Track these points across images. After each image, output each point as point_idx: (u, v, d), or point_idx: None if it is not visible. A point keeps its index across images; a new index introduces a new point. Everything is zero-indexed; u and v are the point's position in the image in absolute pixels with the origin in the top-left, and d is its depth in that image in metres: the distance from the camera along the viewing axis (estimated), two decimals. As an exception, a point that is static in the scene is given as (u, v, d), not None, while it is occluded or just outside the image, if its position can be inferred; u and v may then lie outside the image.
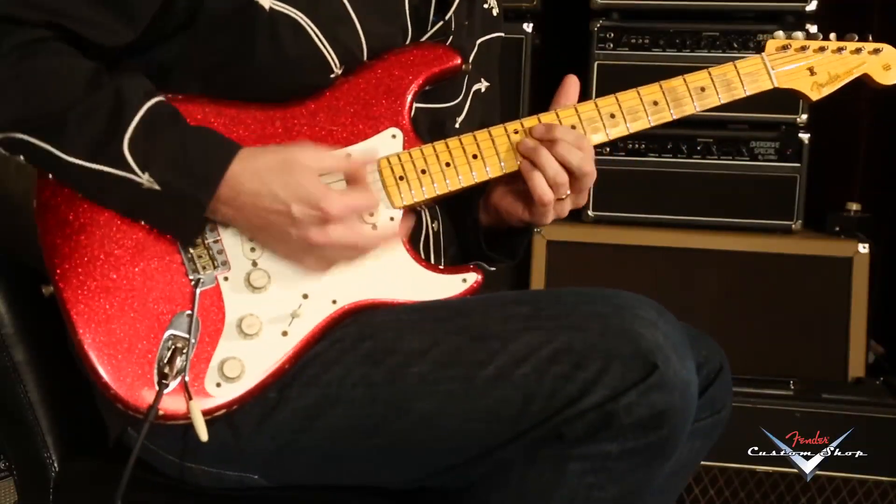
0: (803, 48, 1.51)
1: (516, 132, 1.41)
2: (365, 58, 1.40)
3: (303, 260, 1.31)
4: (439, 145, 1.39)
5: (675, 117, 1.47)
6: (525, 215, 1.46)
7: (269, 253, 1.32)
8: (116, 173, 1.25)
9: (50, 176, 1.29)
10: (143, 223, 1.29)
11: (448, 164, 1.39)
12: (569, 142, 1.39)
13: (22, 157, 1.28)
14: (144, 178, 1.25)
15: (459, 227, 1.55)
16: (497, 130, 1.41)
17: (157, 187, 1.25)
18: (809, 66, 1.51)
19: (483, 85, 1.59)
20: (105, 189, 1.27)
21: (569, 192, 1.41)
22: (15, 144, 1.26)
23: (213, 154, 1.27)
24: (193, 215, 1.28)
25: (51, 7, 1.26)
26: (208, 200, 1.26)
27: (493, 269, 1.59)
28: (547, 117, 1.43)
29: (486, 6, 1.60)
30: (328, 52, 1.36)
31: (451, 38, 1.48)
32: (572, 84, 1.47)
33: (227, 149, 1.28)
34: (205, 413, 1.26)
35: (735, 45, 2.64)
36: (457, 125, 1.52)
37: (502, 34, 1.65)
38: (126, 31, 1.31)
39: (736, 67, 1.48)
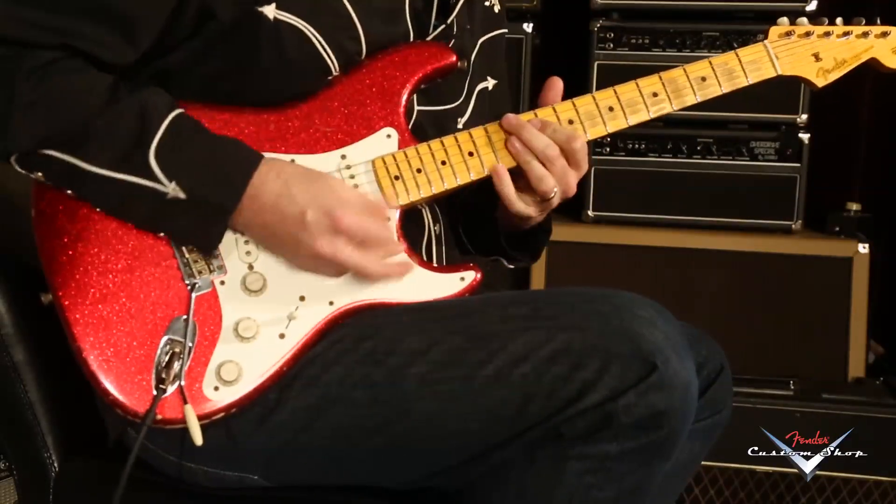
0: (808, 34, 1.47)
1: None
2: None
3: (310, 268, 1.31)
4: (434, 143, 1.39)
5: (675, 108, 1.45)
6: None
7: (265, 256, 1.32)
8: (142, 183, 1.25)
9: (69, 192, 1.29)
10: (161, 234, 1.30)
11: (444, 163, 1.39)
12: (534, 126, 1.38)
13: (40, 174, 1.28)
14: (171, 188, 1.25)
15: (479, 226, 1.55)
16: (493, 127, 1.40)
17: (182, 196, 1.25)
18: (814, 51, 1.47)
19: (490, 83, 1.59)
20: (128, 200, 1.27)
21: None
22: (36, 162, 1.27)
23: (238, 161, 1.29)
24: (218, 222, 1.28)
25: (61, 29, 1.26)
26: (234, 206, 1.27)
27: (512, 266, 1.62)
28: (544, 113, 1.42)
29: (486, 4, 1.59)
30: (329, 57, 1.36)
31: (453, 41, 1.48)
32: (553, 87, 1.45)
33: (251, 157, 1.29)
34: (203, 417, 1.26)
35: (735, 45, 2.58)
36: (459, 126, 1.52)
37: (506, 31, 1.65)
38: (133, 50, 1.32)
39: (738, 55, 1.46)
